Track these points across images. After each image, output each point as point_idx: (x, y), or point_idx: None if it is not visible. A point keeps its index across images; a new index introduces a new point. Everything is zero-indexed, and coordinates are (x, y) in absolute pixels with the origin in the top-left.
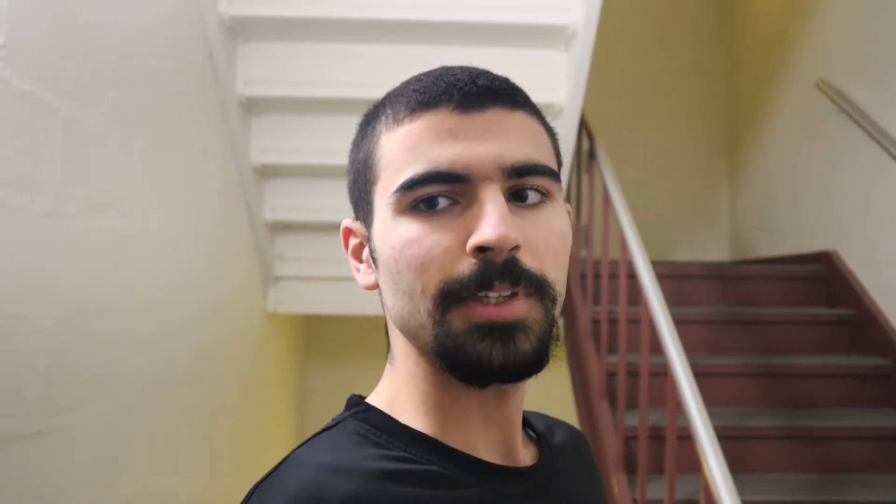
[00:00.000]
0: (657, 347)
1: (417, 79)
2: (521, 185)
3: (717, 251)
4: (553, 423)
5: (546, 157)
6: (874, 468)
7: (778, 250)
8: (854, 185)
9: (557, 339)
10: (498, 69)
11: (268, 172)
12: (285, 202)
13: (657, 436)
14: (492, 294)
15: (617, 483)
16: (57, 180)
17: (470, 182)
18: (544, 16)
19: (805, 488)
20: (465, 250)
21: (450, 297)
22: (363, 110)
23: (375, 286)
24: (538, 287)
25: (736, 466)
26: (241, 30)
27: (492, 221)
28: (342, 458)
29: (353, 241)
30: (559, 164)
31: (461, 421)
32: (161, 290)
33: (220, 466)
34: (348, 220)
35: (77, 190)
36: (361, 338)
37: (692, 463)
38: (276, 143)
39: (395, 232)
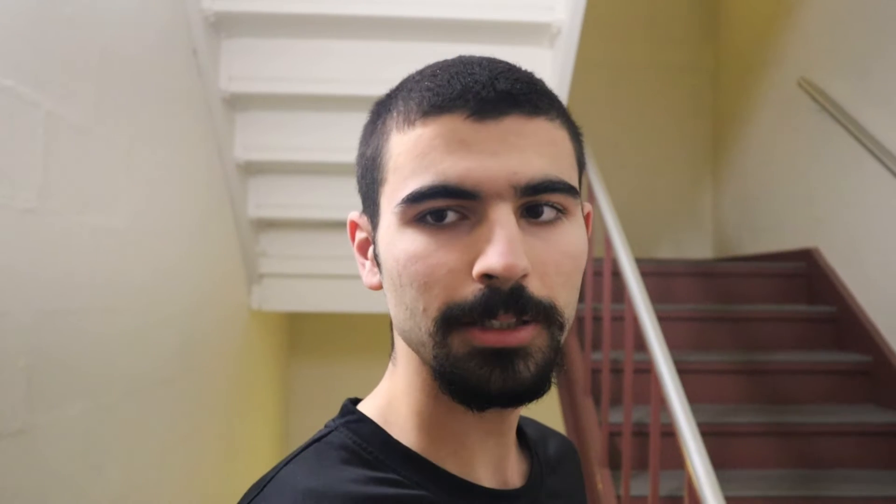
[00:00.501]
0: (641, 344)
1: (433, 73)
2: (535, 201)
3: (700, 249)
4: (546, 433)
5: (565, 169)
6: (855, 464)
7: (760, 248)
8: (836, 182)
9: (561, 365)
10: None
11: (252, 169)
12: (269, 199)
13: (641, 432)
14: (496, 322)
15: (601, 479)
16: (39, 176)
17: (480, 199)
18: (529, 13)
19: (787, 484)
20: (470, 272)
21: (452, 321)
22: (348, 107)
23: (380, 287)
24: (545, 315)
25: (719, 462)
26: (224, 25)
27: (499, 248)
28: (328, 481)
29: (359, 235)
30: (581, 166)
31: (456, 436)
32: (144, 286)
33: (203, 464)
34: (355, 214)
35: (59, 186)
36: (346, 335)
37: (676, 459)
38: (260, 139)
39: (399, 244)
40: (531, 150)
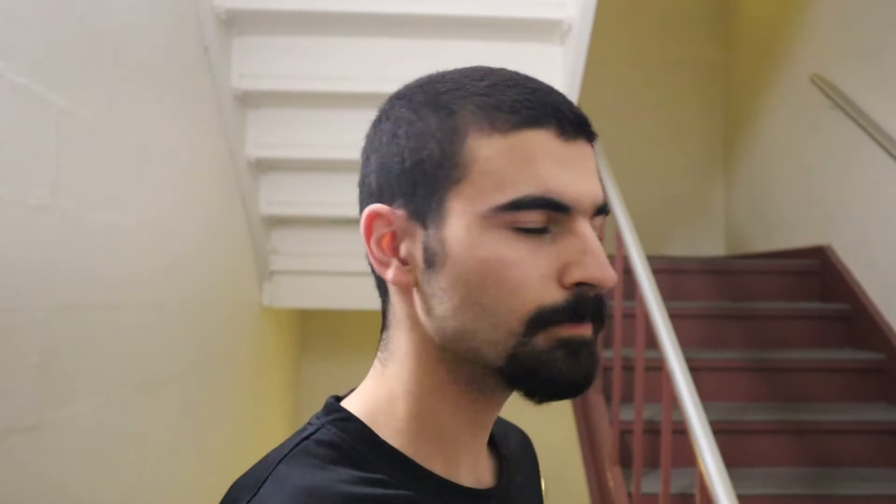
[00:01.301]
0: (652, 342)
1: (506, 83)
2: (592, 223)
3: (712, 246)
4: (507, 428)
5: None
6: (868, 462)
7: (773, 245)
8: (848, 180)
9: None
10: (494, 63)
11: (263, 166)
12: (281, 196)
13: (652, 430)
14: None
15: (612, 477)
16: (52, 173)
17: (570, 213)
18: (540, 10)
19: (799, 482)
20: (556, 279)
21: (540, 322)
22: (359, 104)
23: (410, 285)
24: (603, 316)
25: (731, 460)
26: (235, 23)
27: (599, 261)
28: (322, 481)
29: (381, 230)
30: None
31: (448, 435)
32: (156, 283)
33: (214, 460)
34: (378, 206)
35: (72, 183)
36: (356, 332)
37: (687, 457)
38: (271, 136)
39: (488, 247)
40: (594, 175)
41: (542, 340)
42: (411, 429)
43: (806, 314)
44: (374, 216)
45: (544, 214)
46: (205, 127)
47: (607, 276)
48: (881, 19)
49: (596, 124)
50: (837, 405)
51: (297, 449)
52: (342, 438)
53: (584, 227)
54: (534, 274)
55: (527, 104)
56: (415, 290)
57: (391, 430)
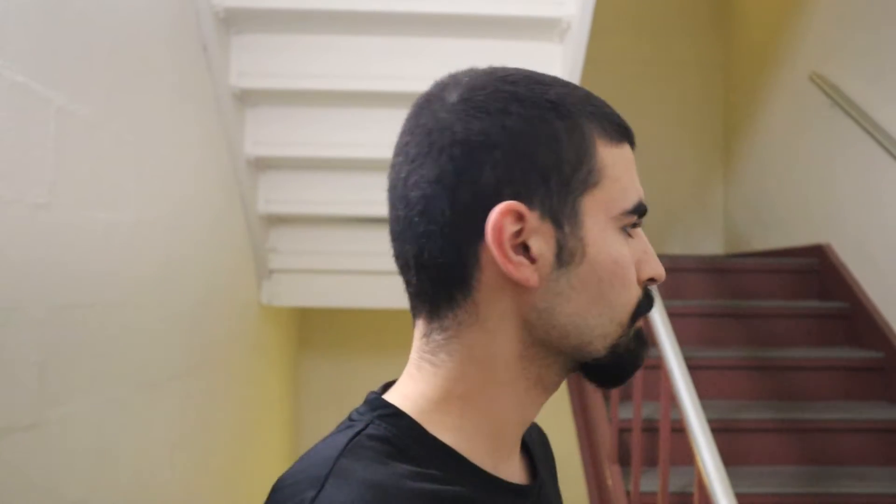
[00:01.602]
0: (651, 340)
1: (599, 99)
2: None
3: (711, 244)
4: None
5: None
6: (866, 460)
7: (772, 244)
8: (847, 178)
9: None
10: (493, 61)
11: (262, 164)
12: (279, 194)
13: (651, 428)
14: None
15: (611, 475)
16: (50, 171)
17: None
18: (539, 8)
19: (798, 480)
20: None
21: (636, 316)
22: (358, 102)
23: (535, 284)
24: None
25: (729, 459)
26: (234, 21)
27: (658, 261)
28: (382, 474)
29: (513, 227)
30: None
31: (502, 432)
32: (154, 282)
33: (213, 458)
34: (513, 203)
35: (70, 181)
36: (356, 330)
37: (686, 455)
38: (270, 134)
39: (616, 247)
40: None
41: (631, 332)
42: (465, 426)
43: (805, 313)
44: (509, 212)
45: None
46: (203, 125)
47: (663, 272)
48: (880, 17)
49: None
50: (836, 403)
51: (352, 443)
52: (392, 434)
53: (640, 231)
54: (634, 272)
55: (618, 120)
56: (533, 289)
57: (442, 426)
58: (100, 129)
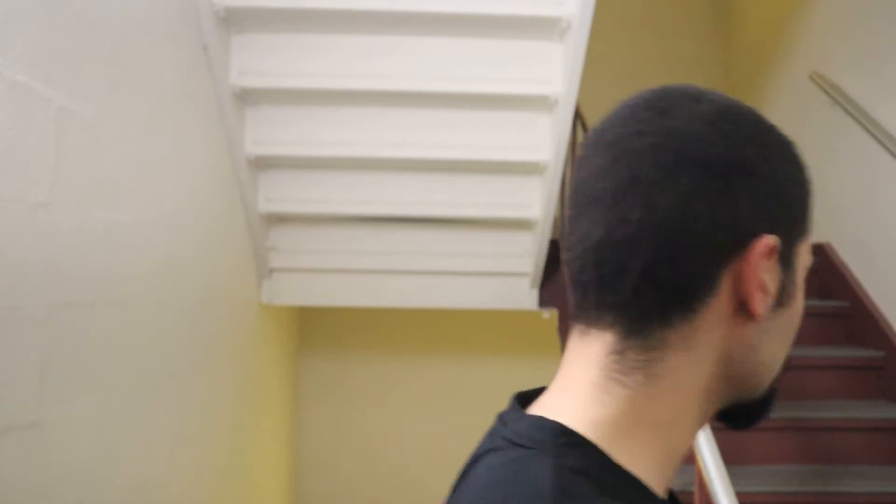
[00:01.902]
0: None
1: None
2: None
3: None
4: None
5: None
6: (867, 459)
7: None
8: (848, 177)
9: None
10: (494, 60)
11: (262, 163)
12: (280, 194)
13: None
14: None
15: None
16: (51, 171)
17: None
18: (539, 7)
19: (799, 479)
20: None
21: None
22: (358, 101)
23: (761, 321)
24: None
25: (730, 458)
26: (234, 20)
27: None
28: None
29: (766, 263)
30: None
31: (675, 462)
32: (154, 281)
33: (213, 457)
34: (776, 238)
35: (71, 180)
36: (356, 329)
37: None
38: (270, 133)
39: (801, 292)
40: None
41: None
42: (646, 455)
43: (805, 311)
44: (772, 246)
45: None
46: (204, 124)
47: None
48: (880, 16)
49: (595, 121)
50: (836, 402)
51: (563, 480)
52: (585, 465)
53: None
54: None
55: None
56: (752, 325)
57: (627, 454)
58: (100, 129)
